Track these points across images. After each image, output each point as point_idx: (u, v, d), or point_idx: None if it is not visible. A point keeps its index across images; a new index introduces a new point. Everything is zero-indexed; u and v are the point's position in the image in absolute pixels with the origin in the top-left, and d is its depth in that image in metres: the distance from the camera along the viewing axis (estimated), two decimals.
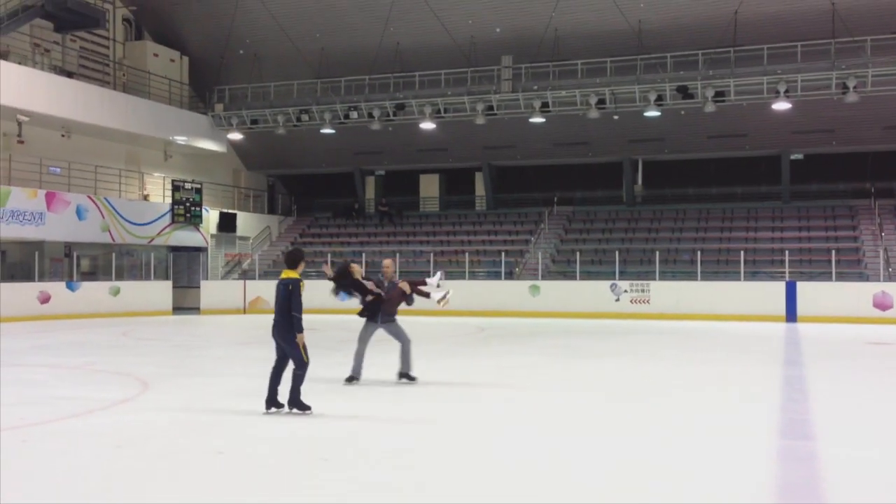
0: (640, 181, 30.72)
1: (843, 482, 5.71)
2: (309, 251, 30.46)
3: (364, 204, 33.95)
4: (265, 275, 29.04)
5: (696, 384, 10.70)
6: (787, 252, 24.27)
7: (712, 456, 6.52)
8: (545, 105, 26.16)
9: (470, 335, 18.40)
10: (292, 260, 8.69)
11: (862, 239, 26.05)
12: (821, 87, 23.73)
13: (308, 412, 8.17)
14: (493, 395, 9.87)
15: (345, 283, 10.28)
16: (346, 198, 34.05)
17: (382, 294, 10.28)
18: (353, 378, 10.36)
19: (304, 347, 8.23)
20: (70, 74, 25.71)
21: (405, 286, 10.35)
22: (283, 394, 8.32)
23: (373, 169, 33.98)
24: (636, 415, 8.54)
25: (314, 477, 5.86)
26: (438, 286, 10.67)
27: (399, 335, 10.45)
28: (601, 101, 25.58)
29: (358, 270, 10.41)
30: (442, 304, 10.72)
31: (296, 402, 8.26)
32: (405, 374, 10.45)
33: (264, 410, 8.29)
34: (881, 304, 22.08)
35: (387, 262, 10.91)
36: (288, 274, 8.56)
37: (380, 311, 10.29)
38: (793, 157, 28.62)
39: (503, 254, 26.90)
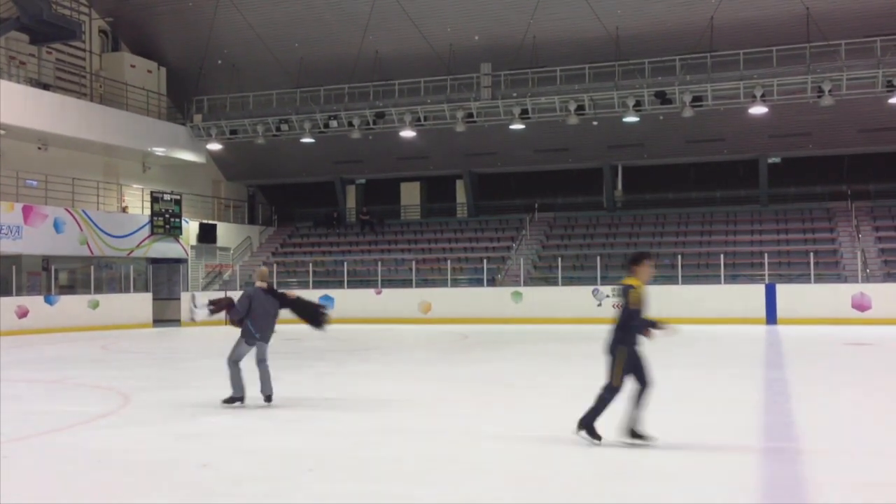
0: (620, 186, 30.88)
1: (826, 482, 5.75)
2: (290, 261, 30.39)
3: (345, 213, 33.88)
4: (247, 286, 28.80)
5: (679, 387, 10.75)
6: (766, 255, 24.48)
7: (696, 458, 6.54)
8: (525, 112, 26.25)
9: (454, 342, 18.39)
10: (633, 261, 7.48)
11: (839, 241, 26.33)
12: (796, 91, 24.00)
13: (596, 442, 6.95)
14: (485, 401, 9.85)
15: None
16: (327, 207, 33.97)
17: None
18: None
19: (621, 368, 6.92)
20: (46, 87, 25.49)
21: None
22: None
23: (353, 178, 33.93)
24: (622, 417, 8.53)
25: (300, 488, 5.82)
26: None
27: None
28: (580, 108, 25.71)
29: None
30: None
31: (587, 425, 7.07)
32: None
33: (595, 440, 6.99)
34: (860, 305, 22.31)
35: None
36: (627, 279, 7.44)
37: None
38: (770, 160, 28.91)
39: (485, 261, 26.94)
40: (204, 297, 9.96)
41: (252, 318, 9.32)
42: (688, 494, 5.48)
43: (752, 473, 6.01)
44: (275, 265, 29.21)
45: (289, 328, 10.06)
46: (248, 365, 9.48)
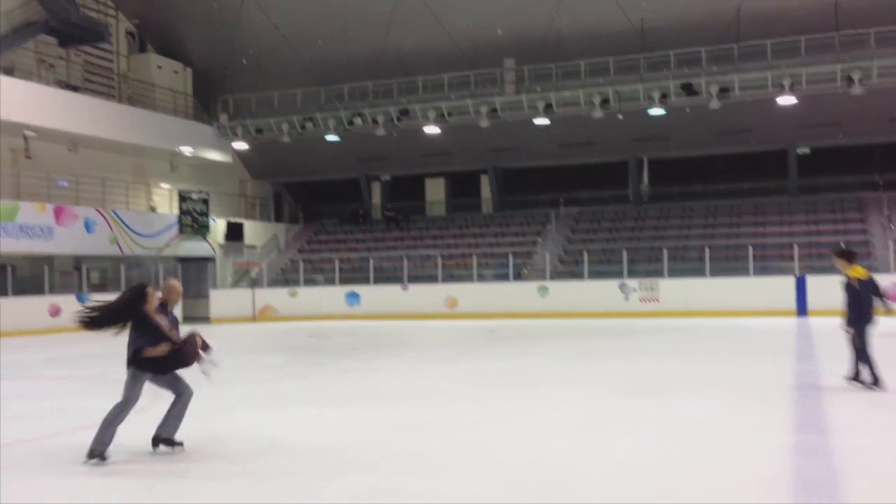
0: (646, 180, 30.66)
1: (859, 476, 5.67)
2: (316, 258, 30.56)
3: (370, 210, 33.98)
4: (274, 283, 29.09)
5: (709, 381, 10.66)
6: (795, 246, 24.17)
7: (728, 451, 6.49)
8: (549, 106, 26.14)
9: (480, 338, 18.38)
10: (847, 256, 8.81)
11: (871, 231, 25.92)
12: (826, 80, 23.65)
13: None
14: (508, 396, 9.84)
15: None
16: (352, 204, 34.10)
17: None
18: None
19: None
20: (75, 89, 25.83)
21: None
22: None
23: (378, 174, 34.01)
24: (652, 412, 8.50)
25: (323, 483, 5.85)
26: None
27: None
28: (605, 101, 25.55)
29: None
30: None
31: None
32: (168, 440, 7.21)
33: None
34: (892, 295, 21.91)
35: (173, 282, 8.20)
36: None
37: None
38: (799, 151, 28.52)
39: (511, 255, 26.88)
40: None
41: None
42: (717, 490, 5.44)
43: (785, 467, 5.94)
44: (301, 262, 29.40)
45: (316, 324, 10.05)
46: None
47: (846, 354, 13.11)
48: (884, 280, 22.09)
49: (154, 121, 27.57)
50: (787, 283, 22.96)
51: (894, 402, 8.76)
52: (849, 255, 9.74)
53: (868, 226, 26.36)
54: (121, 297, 7.43)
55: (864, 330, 9.42)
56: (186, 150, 28.78)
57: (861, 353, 9.47)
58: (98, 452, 6.59)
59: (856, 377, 9.63)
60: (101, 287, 26.31)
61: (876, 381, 9.39)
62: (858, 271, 9.60)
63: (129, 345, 7.09)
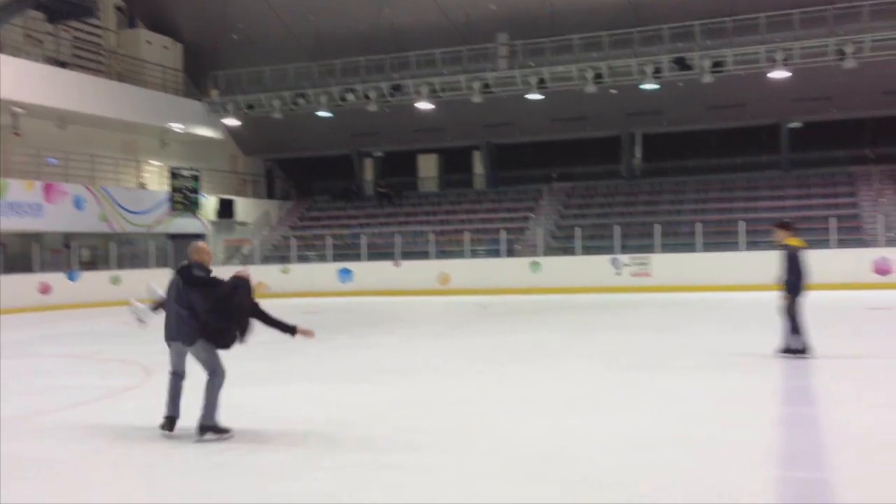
0: (638, 154, 30.63)
1: (845, 447, 5.74)
2: (309, 234, 30.52)
3: (363, 186, 33.90)
4: (266, 259, 29.07)
5: (700, 354, 10.74)
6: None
7: (717, 424, 6.55)
8: (542, 81, 26.03)
9: (473, 313, 18.44)
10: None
11: (861, 205, 26.01)
12: (818, 54, 23.60)
13: None
14: (502, 371, 9.90)
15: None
16: (345, 180, 34.00)
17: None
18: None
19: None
20: (64, 65, 25.59)
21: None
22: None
23: (370, 150, 33.90)
24: (646, 386, 8.57)
25: (317, 457, 5.89)
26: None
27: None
28: (598, 76, 25.45)
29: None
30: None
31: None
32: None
33: None
34: (881, 269, 22.09)
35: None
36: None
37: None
38: (791, 125, 28.52)
39: (503, 231, 26.88)
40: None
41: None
42: (708, 460, 5.50)
43: (774, 439, 6.01)
44: (293, 239, 29.35)
45: (308, 301, 10.09)
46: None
47: (835, 327, 13.17)
48: (873, 254, 22.37)
49: (144, 97, 27.36)
50: (777, 258, 23.00)
51: (882, 375, 8.85)
52: (789, 227, 10.59)
53: (858, 199, 26.44)
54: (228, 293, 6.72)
55: (798, 298, 9.99)
56: (177, 127, 28.60)
57: (793, 321, 9.99)
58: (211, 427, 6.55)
59: (788, 349, 10.00)
60: (91, 265, 26.27)
61: (804, 350, 9.85)
62: (796, 241, 10.35)
63: (199, 316, 6.59)
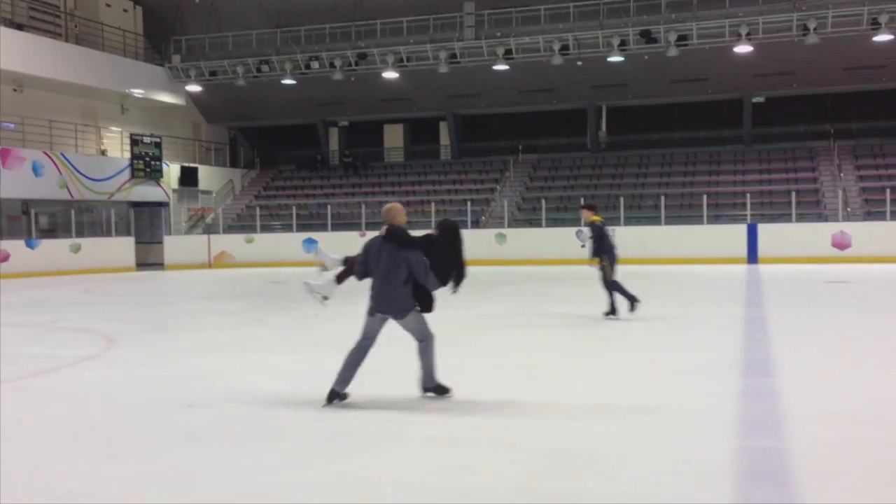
0: (604, 127, 30.74)
1: (804, 416, 5.88)
2: (273, 204, 30.24)
3: (328, 155, 33.62)
4: (229, 229, 28.78)
5: (662, 326, 10.89)
6: (748, 195, 24.59)
7: (678, 394, 6.66)
8: (509, 52, 25.94)
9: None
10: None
11: (821, 180, 26.45)
12: (782, 29, 23.82)
13: None
14: (468, 341, 9.93)
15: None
16: (310, 149, 33.68)
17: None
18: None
19: None
20: (20, 27, 24.88)
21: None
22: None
23: (336, 120, 33.57)
24: (606, 356, 8.68)
25: (285, 427, 5.89)
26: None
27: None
28: (565, 48, 25.43)
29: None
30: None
31: None
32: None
33: None
34: (840, 243, 22.54)
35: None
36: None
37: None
38: (754, 100, 28.82)
39: (469, 203, 26.89)
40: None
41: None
42: (667, 429, 5.60)
43: (733, 410, 6.13)
44: (258, 208, 29.07)
45: (273, 271, 10.00)
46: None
47: (794, 300, 13.47)
48: (832, 228, 22.81)
49: (103, 61, 26.74)
50: (739, 231, 23.40)
51: (840, 346, 9.05)
52: (593, 207, 12.19)
53: (819, 174, 26.87)
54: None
55: (612, 264, 11.42)
56: (137, 92, 28.02)
57: (612, 284, 11.37)
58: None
59: (612, 311, 11.39)
60: (50, 233, 25.80)
61: (634, 299, 11.32)
62: (599, 219, 11.82)
63: (411, 282, 6.35)
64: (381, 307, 6.47)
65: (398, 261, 6.30)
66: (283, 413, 6.28)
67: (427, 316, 6.65)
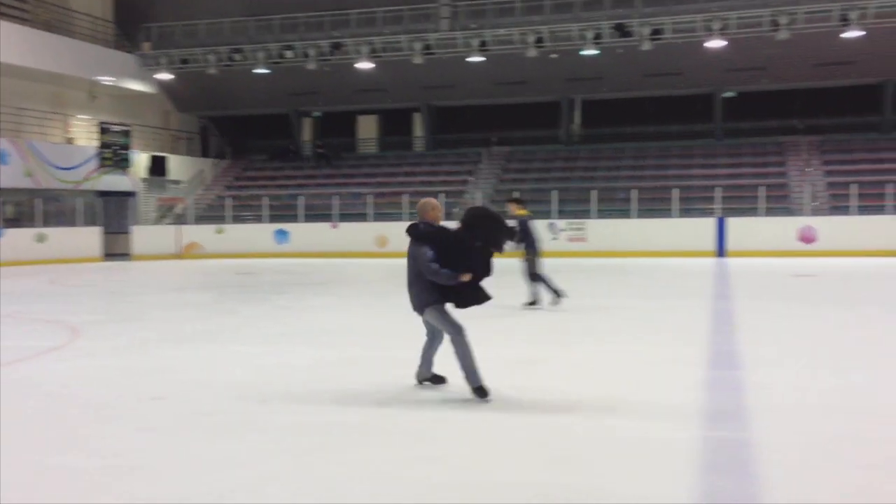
0: (577, 120, 30.85)
1: (769, 408, 5.95)
2: (245, 195, 30.01)
3: (300, 146, 33.39)
4: (200, 219, 28.51)
5: (630, 318, 10.97)
6: (718, 189, 24.83)
7: (645, 386, 6.71)
8: (483, 44, 25.92)
9: None
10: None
11: (789, 175, 26.79)
12: (753, 24, 24.05)
13: None
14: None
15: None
16: (282, 140, 33.42)
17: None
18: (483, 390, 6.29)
19: None
20: None
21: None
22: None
23: (309, 110, 33.35)
24: (571, 349, 8.72)
25: (254, 419, 5.85)
26: None
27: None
28: (539, 40, 25.46)
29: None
30: None
31: None
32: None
33: None
34: (806, 237, 22.86)
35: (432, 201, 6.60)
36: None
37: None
38: (725, 94, 29.07)
39: (442, 194, 26.85)
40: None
41: None
42: (634, 420, 5.64)
43: (699, 401, 6.19)
44: (229, 199, 28.82)
45: (244, 262, 9.92)
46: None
47: (761, 294, 13.64)
48: (799, 222, 23.12)
49: (71, 48, 26.31)
50: (708, 225, 23.63)
51: (806, 339, 9.18)
52: (520, 201, 12.36)
53: (787, 169, 27.20)
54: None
55: (536, 258, 11.80)
56: (106, 80, 27.62)
57: (536, 276, 11.77)
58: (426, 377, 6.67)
59: (533, 302, 11.84)
60: (15, 222, 25.37)
61: (556, 296, 11.77)
62: (525, 212, 12.00)
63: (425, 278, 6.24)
64: (411, 303, 6.47)
65: (411, 256, 6.33)
66: (252, 405, 6.24)
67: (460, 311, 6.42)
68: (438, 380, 6.75)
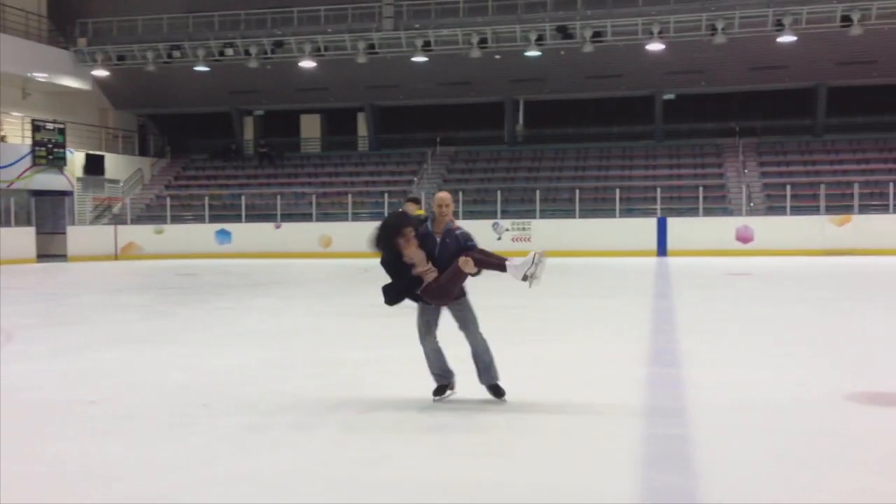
0: (521, 121, 31.09)
1: (708, 405, 6.07)
2: (185, 195, 29.47)
3: (242, 145, 32.92)
4: (138, 219, 27.91)
5: (572, 317, 11.09)
6: (658, 189, 25.29)
7: (586, 384, 6.79)
8: (427, 44, 25.93)
9: (355, 276, 18.35)
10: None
11: (727, 176, 27.44)
12: (692, 28, 24.57)
13: None
14: (386, 333, 9.89)
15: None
16: (223, 138, 32.90)
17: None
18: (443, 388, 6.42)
19: None
20: None
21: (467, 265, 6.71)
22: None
23: (251, 109, 32.90)
24: (513, 350, 8.77)
25: (194, 422, 5.74)
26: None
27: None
28: (483, 41, 25.57)
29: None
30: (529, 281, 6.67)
31: None
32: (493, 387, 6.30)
33: None
34: (743, 237, 23.44)
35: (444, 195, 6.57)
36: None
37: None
38: (665, 97, 29.64)
39: (387, 195, 26.78)
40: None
41: None
42: (575, 418, 5.70)
43: (638, 398, 6.28)
44: (168, 198, 28.27)
45: (184, 263, 9.72)
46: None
47: (700, 292, 13.90)
48: (736, 222, 23.70)
49: (4, 43, 25.47)
50: (649, 225, 24.06)
51: (743, 336, 9.39)
52: (417, 200, 12.19)
53: (725, 170, 27.86)
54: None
55: None
56: (40, 76, 26.82)
57: None
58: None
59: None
60: None
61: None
62: (422, 212, 11.78)
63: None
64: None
65: None
66: (192, 408, 6.12)
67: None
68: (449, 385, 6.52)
